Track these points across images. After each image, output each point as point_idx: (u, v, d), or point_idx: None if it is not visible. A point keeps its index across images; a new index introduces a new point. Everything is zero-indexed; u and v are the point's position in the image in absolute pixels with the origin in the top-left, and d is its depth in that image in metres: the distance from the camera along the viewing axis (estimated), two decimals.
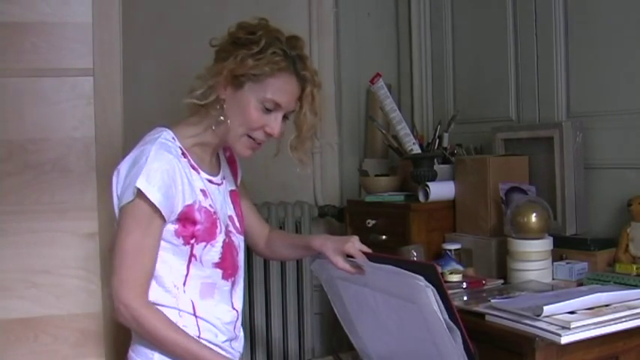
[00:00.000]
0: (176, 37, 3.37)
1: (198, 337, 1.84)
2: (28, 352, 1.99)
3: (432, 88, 3.59)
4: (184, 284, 1.84)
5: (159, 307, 1.81)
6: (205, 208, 1.87)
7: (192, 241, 1.84)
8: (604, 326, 1.83)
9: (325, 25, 3.66)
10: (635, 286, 2.14)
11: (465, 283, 2.35)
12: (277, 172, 3.30)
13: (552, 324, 1.81)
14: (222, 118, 1.83)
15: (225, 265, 1.93)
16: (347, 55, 3.70)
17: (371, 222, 3.08)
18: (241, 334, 2.02)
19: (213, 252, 1.89)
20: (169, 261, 1.82)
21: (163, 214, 1.76)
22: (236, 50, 1.82)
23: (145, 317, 1.75)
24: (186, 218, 1.82)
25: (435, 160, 3.03)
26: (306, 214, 3.50)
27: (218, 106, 1.83)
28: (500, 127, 2.96)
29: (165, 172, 1.76)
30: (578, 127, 2.62)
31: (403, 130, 3.07)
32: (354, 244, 2.02)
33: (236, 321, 1.98)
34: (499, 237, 2.60)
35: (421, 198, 2.88)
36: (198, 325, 1.85)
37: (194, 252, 1.85)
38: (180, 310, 1.83)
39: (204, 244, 1.86)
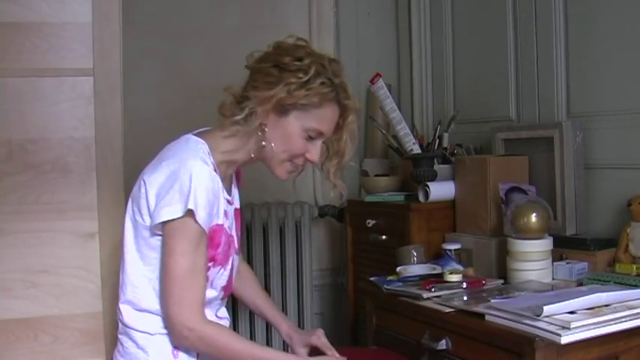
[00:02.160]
0: (176, 37, 3.37)
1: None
2: (28, 352, 1.99)
3: (432, 88, 3.59)
4: None
5: (143, 310, 1.81)
6: (225, 229, 1.87)
7: (210, 265, 1.84)
8: (604, 326, 1.83)
9: (325, 24, 3.66)
10: (635, 286, 2.14)
11: (464, 283, 2.35)
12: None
13: (552, 324, 1.81)
14: (264, 143, 1.84)
15: (228, 287, 1.96)
16: (347, 55, 3.69)
17: (371, 222, 3.08)
18: None
19: (224, 276, 1.91)
20: None
21: (206, 232, 1.77)
22: (284, 77, 1.81)
23: (213, 336, 1.76)
24: (211, 239, 1.81)
25: (435, 160, 3.03)
26: (306, 214, 3.50)
27: (259, 132, 1.83)
28: (500, 127, 2.96)
29: (211, 190, 1.76)
30: (578, 127, 2.62)
31: (403, 130, 3.07)
32: (320, 338, 2.09)
33: None
34: (499, 237, 2.60)
35: (421, 198, 2.88)
36: None
37: (208, 274, 1.84)
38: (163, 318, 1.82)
39: (219, 267, 1.87)
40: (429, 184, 2.85)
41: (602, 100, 2.62)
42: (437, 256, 2.72)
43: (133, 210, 1.83)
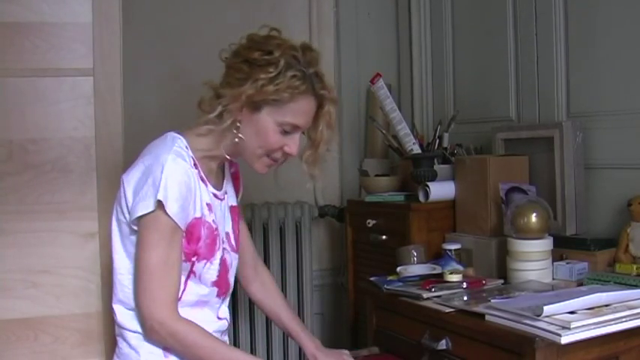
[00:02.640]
0: (176, 36, 3.37)
1: None
2: (28, 352, 1.99)
3: (432, 88, 3.59)
4: (180, 299, 1.82)
5: (134, 310, 1.81)
6: (209, 223, 1.86)
7: (194, 259, 1.83)
8: (604, 326, 1.82)
9: (325, 25, 3.67)
10: (635, 286, 2.14)
11: (464, 283, 2.35)
12: (277, 171, 3.30)
13: (552, 324, 1.81)
14: (237, 140, 1.82)
15: (220, 283, 1.93)
16: (347, 55, 3.70)
17: (371, 222, 3.08)
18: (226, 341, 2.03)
19: (212, 270, 1.88)
20: None
21: (180, 226, 1.75)
22: (253, 73, 1.78)
23: (183, 332, 1.75)
24: (191, 233, 1.81)
25: (435, 160, 3.03)
26: (306, 214, 3.51)
27: (234, 129, 1.81)
28: (500, 127, 2.96)
29: (183, 183, 1.74)
30: (579, 127, 2.62)
31: (403, 130, 3.07)
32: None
33: (223, 330, 1.99)
34: (499, 237, 2.59)
35: (421, 198, 2.88)
36: None
37: (194, 269, 1.84)
38: None
39: (204, 261, 1.86)
40: (429, 184, 2.85)
41: (603, 100, 2.62)
42: (437, 256, 2.72)
43: (116, 210, 1.83)
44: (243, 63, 1.81)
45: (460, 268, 2.51)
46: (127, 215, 1.79)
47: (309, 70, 1.82)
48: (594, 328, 1.81)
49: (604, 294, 1.94)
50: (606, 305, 1.92)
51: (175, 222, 1.73)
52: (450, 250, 2.65)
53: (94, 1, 2.01)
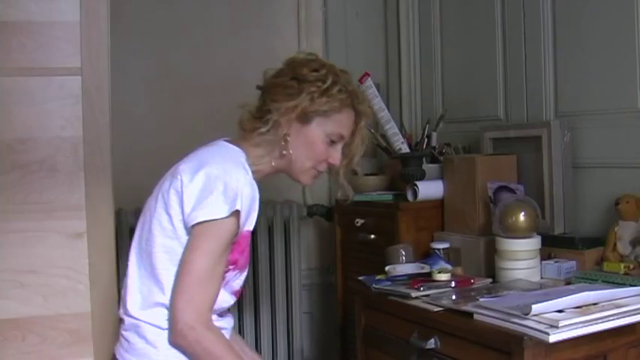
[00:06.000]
0: (164, 36, 3.37)
1: None
2: (16, 352, 1.98)
3: (421, 88, 3.60)
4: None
5: (158, 304, 1.82)
6: (249, 236, 1.92)
7: (231, 267, 1.87)
8: (592, 325, 1.83)
9: (314, 24, 3.67)
10: (623, 285, 2.14)
11: (453, 282, 2.36)
12: None
13: (541, 323, 1.82)
14: (285, 152, 1.91)
15: (238, 292, 1.98)
16: (335, 55, 3.69)
17: (359, 221, 3.08)
18: None
19: (239, 280, 1.94)
20: None
21: (236, 238, 1.82)
22: (304, 87, 1.89)
23: (211, 341, 1.77)
24: (239, 243, 1.85)
25: (424, 160, 3.04)
26: (295, 214, 3.50)
27: (283, 142, 1.91)
28: (488, 127, 2.97)
29: (250, 197, 1.82)
30: (566, 127, 2.62)
31: (392, 129, 3.07)
32: None
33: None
34: (487, 236, 2.60)
35: (410, 197, 2.88)
36: None
37: (227, 276, 1.86)
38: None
39: (237, 271, 1.90)
40: (417, 183, 2.86)
41: (590, 99, 2.63)
42: (425, 255, 2.73)
43: (165, 204, 1.84)
44: (291, 80, 1.92)
45: (448, 267, 2.51)
46: (173, 214, 1.81)
47: (349, 86, 1.96)
48: (582, 327, 1.81)
49: (592, 293, 1.95)
50: (594, 304, 1.92)
51: (234, 233, 1.79)
52: (439, 250, 2.66)
53: (81, 0, 2.00)
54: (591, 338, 1.85)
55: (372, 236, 3.01)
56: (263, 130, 1.89)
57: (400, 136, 3.07)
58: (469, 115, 3.21)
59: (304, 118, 1.90)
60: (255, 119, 1.92)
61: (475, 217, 2.69)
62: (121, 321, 1.91)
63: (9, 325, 1.98)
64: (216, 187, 1.75)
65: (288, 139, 1.91)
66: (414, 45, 3.61)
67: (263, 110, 1.91)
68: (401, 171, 2.98)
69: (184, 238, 1.80)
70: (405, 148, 3.04)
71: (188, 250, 1.78)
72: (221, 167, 1.79)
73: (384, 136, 3.13)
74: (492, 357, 1.92)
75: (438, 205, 2.89)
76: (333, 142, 1.95)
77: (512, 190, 2.64)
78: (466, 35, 3.26)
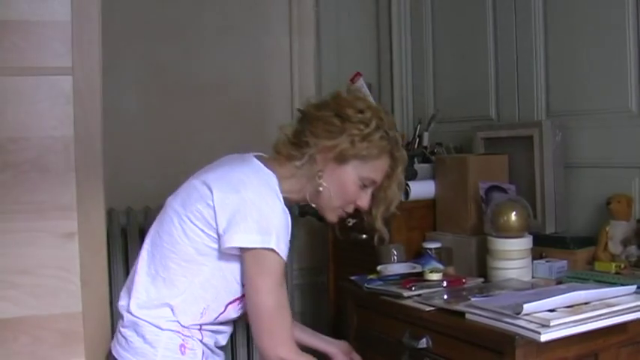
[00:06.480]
0: (156, 35, 3.36)
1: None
2: (8, 353, 1.97)
3: (412, 87, 3.60)
4: (202, 316, 1.87)
5: (163, 304, 1.84)
6: None
7: None
8: (583, 324, 1.83)
9: (306, 23, 3.66)
10: (614, 284, 2.15)
11: (445, 282, 2.36)
12: None
13: (532, 322, 1.82)
14: (321, 189, 1.92)
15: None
16: (327, 54, 3.70)
17: (351, 221, 3.07)
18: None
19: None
20: (218, 288, 1.86)
21: None
22: (347, 128, 1.88)
23: None
24: None
25: (415, 159, 3.04)
26: None
27: (317, 177, 1.91)
28: (480, 126, 2.97)
29: (287, 227, 1.83)
30: (558, 126, 2.63)
31: None
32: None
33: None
34: (479, 236, 2.60)
35: (401, 197, 2.88)
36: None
37: (242, 297, 1.89)
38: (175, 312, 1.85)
39: None
40: (409, 183, 2.85)
41: (582, 99, 2.64)
42: (417, 254, 2.73)
43: (192, 213, 1.84)
44: (335, 117, 1.90)
45: (440, 266, 2.51)
46: (200, 222, 1.82)
47: (391, 132, 1.95)
48: (573, 326, 1.82)
49: (583, 292, 1.96)
50: (585, 303, 1.93)
51: (284, 263, 1.81)
52: (430, 249, 2.66)
53: (73, 0, 1.99)
54: (582, 337, 1.85)
55: (364, 236, 3.00)
56: (298, 163, 1.89)
57: None
58: (461, 114, 3.21)
59: (341, 159, 1.90)
60: (292, 145, 1.92)
61: (467, 216, 2.69)
62: (119, 317, 1.91)
63: (0, 326, 1.97)
64: (250, 213, 1.76)
65: (321, 174, 1.91)
66: (405, 45, 3.62)
67: (301, 139, 1.91)
68: None
69: (208, 249, 1.82)
70: None
71: (250, 290, 1.81)
72: (257, 193, 1.80)
73: None
74: (484, 356, 1.92)
75: (430, 204, 2.89)
76: (364, 186, 1.95)
77: (503, 190, 2.64)
78: (458, 35, 3.27)
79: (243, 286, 1.86)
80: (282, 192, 1.87)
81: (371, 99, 3.05)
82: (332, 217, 2.01)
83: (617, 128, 2.50)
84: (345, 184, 1.93)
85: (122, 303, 1.91)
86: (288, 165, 1.91)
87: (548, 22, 2.76)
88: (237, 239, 1.76)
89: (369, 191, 1.98)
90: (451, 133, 3.21)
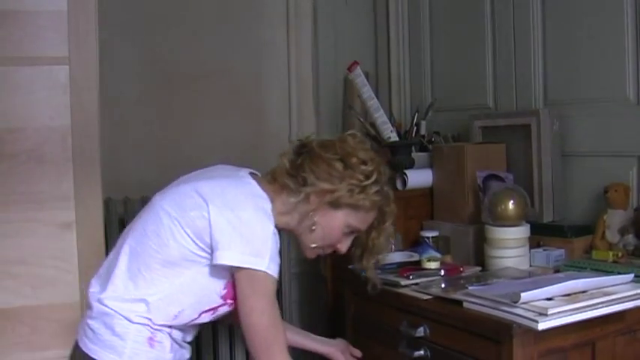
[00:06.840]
0: (152, 24, 3.35)
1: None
2: (6, 343, 1.98)
3: (410, 76, 3.59)
4: (175, 318, 1.86)
5: (139, 299, 1.81)
6: None
7: (229, 302, 1.89)
8: (581, 312, 1.84)
9: (303, 12, 3.64)
10: (611, 273, 2.15)
11: (442, 271, 2.36)
12: (254, 163, 3.29)
13: (529, 310, 1.82)
14: (314, 228, 1.93)
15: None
16: (324, 43, 3.69)
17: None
18: None
19: (226, 313, 1.94)
20: (198, 296, 1.86)
21: None
22: (347, 177, 1.90)
23: None
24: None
25: (413, 148, 3.03)
26: None
27: (310, 217, 1.92)
28: (477, 115, 2.96)
29: (276, 250, 1.83)
30: (556, 115, 2.63)
31: (381, 117, 3.06)
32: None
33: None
34: (476, 224, 2.60)
35: (399, 186, 2.88)
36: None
37: (220, 309, 1.90)
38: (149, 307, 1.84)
39: (229, 308, 1.92)
40: (406, 171, 2.85)
41: (580, 88, 2.63)
42: (415, 243, 2.73)
43: (183, 219, 1.82)
44: (338, 162, 1.91)
45: (438, 255, 2.52)
46: (186, 228, 1.80)
47: (385, 188, 1.98)
48: (571, 315, 1.82)
49: (580, 280, 1.96)
50: (583, 292, 1.93)
51: (276, 283, 1.82)
52: (428, 238, 2.66)
53: None
54: (580, 326, 1.86)
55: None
56: (293, 200, 1.89)
57: (389, 124, 3.06)
58: (458, 103, 3.21)
59: (335, 205, 1.90)
60: (289, 176, 1.91)
61: (464, 205, 2.69)
62: (87, 306, 1.87)
63: None
64: (245, 233, 1.77)
65: (313, 215, 1.91)
66: (403, 33, 3.61)
67: (299, 173, 1.90)
68: (390, 159, 2.97)
69: (194, 256, 1.81)
70: (394, 137, 3.03)
71: (244, 310, 1.80)
72: (253, 214, 1.80)
73: (373, 125, 3.12)
74: (481, 345, 1.93)
75: (427, 193, 2.89)
76: (350, 233, 1.97)
77: (501, 179, 2.64)
78: (455, 23, 3.26)
79: (222, 298, 1.87)
80: (274, 217, 1.88)
81: (368, 88, 3.08)
82: (309, 253, 2.02)
83: (615, 117, 2.50)
84: (333, 229, 1.94)
85: (93, 290, 1.86)
86: (282, 195, 1.91)
87: (545, 11, 2.75)
88: (231, 257, 1.76)
89: (351, 238, 2.00)
90: (449, 121, 3.21)
